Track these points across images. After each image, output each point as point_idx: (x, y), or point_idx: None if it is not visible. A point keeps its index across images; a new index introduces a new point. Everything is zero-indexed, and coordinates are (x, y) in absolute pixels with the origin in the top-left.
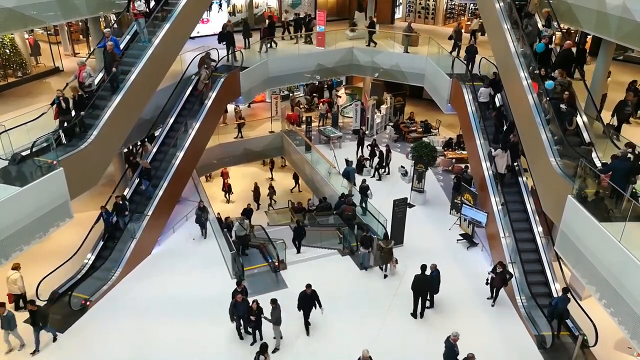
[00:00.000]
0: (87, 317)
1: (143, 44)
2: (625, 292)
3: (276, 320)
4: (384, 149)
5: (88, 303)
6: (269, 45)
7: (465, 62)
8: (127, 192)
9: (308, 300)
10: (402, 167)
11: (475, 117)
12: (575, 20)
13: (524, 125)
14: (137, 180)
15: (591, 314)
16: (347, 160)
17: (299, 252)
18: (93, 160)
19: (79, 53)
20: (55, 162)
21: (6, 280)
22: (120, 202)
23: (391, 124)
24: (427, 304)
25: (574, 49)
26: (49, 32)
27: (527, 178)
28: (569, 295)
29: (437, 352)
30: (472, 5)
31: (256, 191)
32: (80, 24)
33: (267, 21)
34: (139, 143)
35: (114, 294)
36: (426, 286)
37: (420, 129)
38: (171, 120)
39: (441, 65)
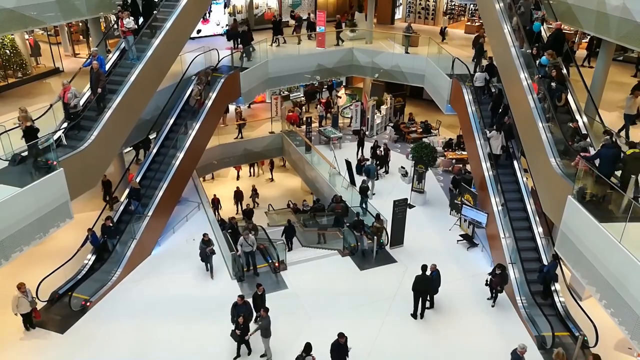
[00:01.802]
0: (87, 318)
1: (132, 61)
2: (625, 292)
3: (265, 331)
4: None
5: (88, 304)
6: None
7: (464, 62)
8: (115, 213)
9: (342, 350)
10: (402, 167)
11: (475, 117)
12: (575, 21)
13: (524, 125)
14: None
15: (591, 314)
16: (348, 163)
17: (290, 249)
18: (93, 160)
19: (79, 54)
20: (55, 163)
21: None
22: (110, 225)
23: (391, 124)
24: (427, 304)
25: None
26: (49, 33)
27: (527, 178)
28: (556, 260)
29: (437, 352)
30: (472, 5)
31: (238, 194)
32: (80, 24)
33: (245, 26)
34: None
35: (114, 295)
36: (427, 287)
37: (420, 130)
38: (171, 121)
39: (441, 65)
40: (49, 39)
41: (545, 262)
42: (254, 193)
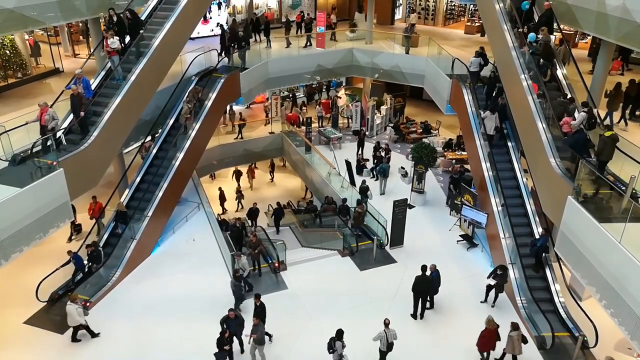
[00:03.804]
0: (87, 318)
1: (117, 81)
2: (625, 292)
3: (259, 340)
4: (382, 151)
5: (88, 304)
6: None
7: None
8: (102, 237)
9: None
10: (402, 167)
11: (475, 117)
12: (575, 21)
13: (524, 125)
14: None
15: (591, 314)
16: (348, 163)
17: (278, 232)
18: (93, 161)
19: (79, 54)
20: (55, 163)
21: None
22: (92, 251)
23: (391, 124)
24: (427, 304)
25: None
26: (49, 33)
27: (527, 179)
28: (547, 234)
29: (437, 353)
30: (472, 6)
31: (221, 196)
32: (80, 24)
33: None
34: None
35: (114, 295)
36: (427, 287)
37: (420, 130)
38: (171, 121)
39: (441, 66)
40: (48, 39)
41: (546, 262)
42: (239, 195)
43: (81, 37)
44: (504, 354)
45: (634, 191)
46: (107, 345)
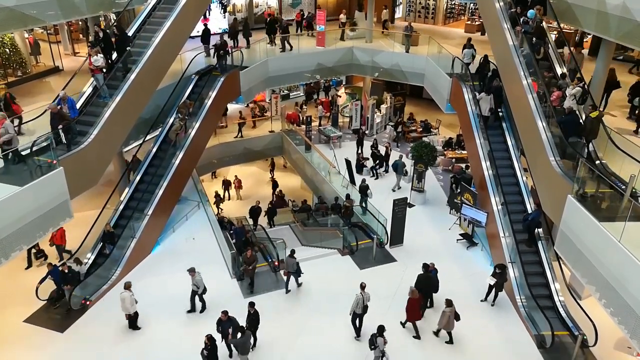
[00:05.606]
0: (87, 317)
1: (104, 99)
2: (624, 291)
3: (242, 348)
4: (383, 149)
5: (88, 302)
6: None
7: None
8: (89, 256)
9: None
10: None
11: (475, 116)
12: (575, 20)
13: (523, 124)
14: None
15: (591, 313)
16: (348, 162)
17: (271, 227)
18: (93, 159)
19: (79, 52)
20: (55, 162)
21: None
22: (67, 271)
23: (391, 123)
24: (428, 303)
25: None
26: (48, 32)
27: (527, 177)
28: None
29: (437, 352)
30: (472, 4)
31: None
32: (80, 23)
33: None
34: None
35: (113, 294)
36: (429, 285)
37: (420, 129)
38: (170, 120)
39: (441, 64)
40: (48, 38)
41: (545, 262)
42: (218, 199)
43: (81, 36)
44: (438, 330)
45: (633, 190)
46: (106, 343)
